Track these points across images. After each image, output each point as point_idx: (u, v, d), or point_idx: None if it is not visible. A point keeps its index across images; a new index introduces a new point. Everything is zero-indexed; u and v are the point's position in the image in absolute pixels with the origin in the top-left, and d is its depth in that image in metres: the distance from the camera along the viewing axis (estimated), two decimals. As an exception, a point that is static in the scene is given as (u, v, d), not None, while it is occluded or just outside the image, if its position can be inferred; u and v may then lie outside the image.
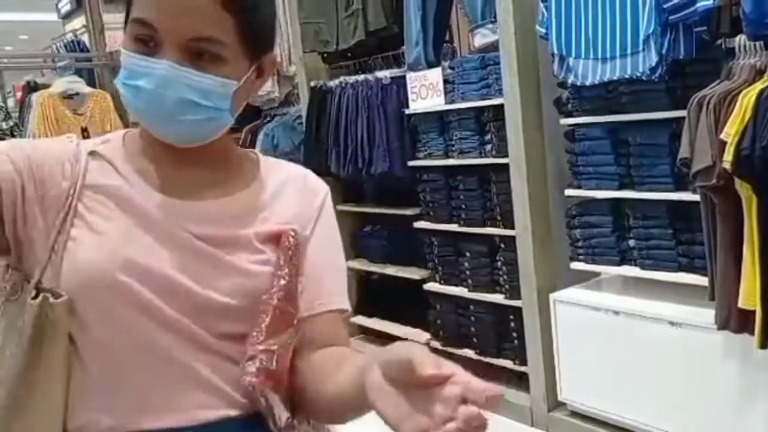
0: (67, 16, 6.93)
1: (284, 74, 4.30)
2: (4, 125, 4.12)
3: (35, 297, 0.84)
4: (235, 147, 1.02)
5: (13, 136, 4.17)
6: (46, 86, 4.52)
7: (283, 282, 0.90)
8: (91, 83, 4.79)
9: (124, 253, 0.84)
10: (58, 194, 0.87)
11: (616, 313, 2.69)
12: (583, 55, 2.64)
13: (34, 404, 0.86)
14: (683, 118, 2.28)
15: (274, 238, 0.93)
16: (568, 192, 2.87)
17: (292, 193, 0.99)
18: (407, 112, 3.48)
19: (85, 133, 4.34)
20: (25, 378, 0.86)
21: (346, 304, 0.99)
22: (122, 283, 0.83)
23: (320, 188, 1.03)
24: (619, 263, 2.75)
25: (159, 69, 0.82)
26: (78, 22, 6.64)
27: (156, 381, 0.86)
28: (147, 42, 0.83)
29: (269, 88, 4.26)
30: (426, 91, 3.35)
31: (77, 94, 4.42)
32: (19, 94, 5.21)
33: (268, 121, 4.48)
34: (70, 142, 0.93)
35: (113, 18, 6.34)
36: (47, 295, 0.84)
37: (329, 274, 0.99)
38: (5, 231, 0.85)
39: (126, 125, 4.61)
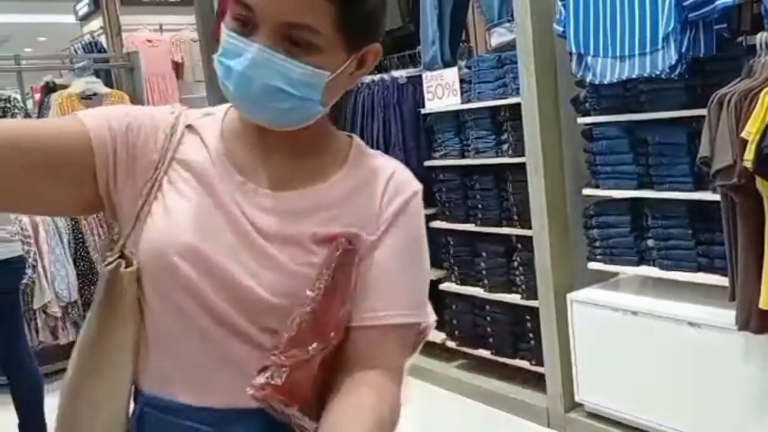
0: (85, 18, 7.00)
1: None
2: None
3: (110, 263, 0.90)
4: (334, 133, 0.97)
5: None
6: (64, 87, 4.55)
7: (318, 293, 0.85)
8: (108, 84, 4.83)
9: (183, 237, 0.87)
10: (148, 164, 0.90)
11: (635, 313, 2.67)
12: (601, 54, 2.62)
13: (103, 369, 0.92)
14: (703, 116, 2.26)
15: (330, 242, 0.88)
16: (586, 191, 2.86)
17: (369, 193, 0.92)
18: (423, 111, 3.47)
19: (102, 133, 4.36)
20: (97, 342, 0.92)
21: (411, 318, 0.90)
22: (176, 266, 0.86)
23: (405, 189, 0.93)
24: (638, 263, 2.72)
25: (250, 51, 0.81)
26: (95, 23, 6.71)
27: (198, 361, 0.88)
28: (245, 23, 0.82)
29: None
30: (442, 91, 3.34)
31: (95, 94, 4.45)
32: (37, 96, 5.25)
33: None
34: (170, 113, 0.94)
35: (130, 20, 6.40)
36: (120, 262, 0.89)
37: (392, 284, 0.90)
38: (99, 190, 0.89)
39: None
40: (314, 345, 0.84)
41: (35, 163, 0.84)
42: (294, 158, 0.92)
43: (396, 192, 0.92)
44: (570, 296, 2.88)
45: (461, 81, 3.26)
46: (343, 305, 0.87)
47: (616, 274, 2.96)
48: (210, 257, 0.86)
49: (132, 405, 0.94)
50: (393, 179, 0.93)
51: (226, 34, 0.83)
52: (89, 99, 4.43)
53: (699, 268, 2.53)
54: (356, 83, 0.93)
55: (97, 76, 4.78)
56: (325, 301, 0.85)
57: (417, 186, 0.95)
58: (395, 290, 0.90)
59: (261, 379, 0.82)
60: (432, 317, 0.97)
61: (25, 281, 3.97)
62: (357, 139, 0.99)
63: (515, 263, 3.19)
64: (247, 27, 0.82)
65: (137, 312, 0.90)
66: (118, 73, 4.99)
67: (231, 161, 0.91)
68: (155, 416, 0.91)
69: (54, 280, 4.14)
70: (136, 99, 4.68)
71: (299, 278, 0.86)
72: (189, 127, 0.94)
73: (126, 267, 0.88)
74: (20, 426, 2.98)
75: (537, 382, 3.15)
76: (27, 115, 4.28)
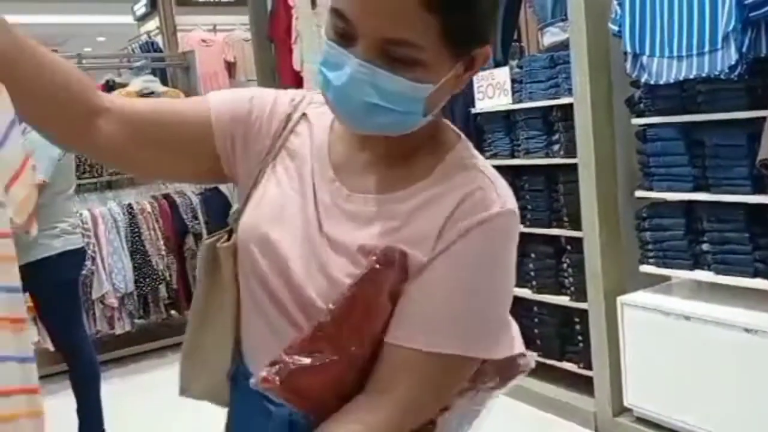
0: (142, 19, 7.19)
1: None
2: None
3: (211, 237, 0.99)
4: (440, 136, 0.91)
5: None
6: (123, 85, 4.70)
7: (335, 307, 0.83)
8: (164, 82, 4.96)
9: (263, 227, 0.91)
10: (261, 149, 0.96)
11: (687, 318, 2.62)
12: (657, 53, 2.58)
13: (210, 328, 1.02)
14: (763, 118, 2.21)
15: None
16: (639, 193, 2.81)
17: (437, 210, 0.84)
18: (473, 111, 3.47)
19: (158, 131, 4.48)
20: (204, 310, 1.03)
21: (444, 348, 0.82)
22: (253, 253, 0.91)
23: (478, 210, 0.83)
24: (692, 267, 2.67)
25: (349, 65, 0.78)
26: (152, 24, 6.88)
27: (263, 342, 0.93)
28: (343, 34, 0.79)
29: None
30: (493, 91, 3.33)
31: (152, 92, 4.58)
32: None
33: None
34: (291, 101, 0.98)
35: (185, 20, 6.55)
36: (221, 236, 0.97)
37: (428, 310, 0.83)
38: (222, 166, 0.97)
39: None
40: (322, 354, 0.83)
41: (163, 138, 0.94)
42: (385, 161, 0.90)
43: (467, 213, 0.83)
44: (620, 299, 2.84)
45: (512, 81, 3.24)
46: (369, 321, 0.84)
47: (668, 277, 2.91)
48: (278, 252, 0.89)
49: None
50: (470, 198, 0.84)
51: (326, 43, 0.81)
52: (146, 97, 4.56)
53: (755, 273, 2.47)
54: (462, 87, 0.87)
55: (154, 75, 4.92)
56: (344, 315, 0.83)
57: (498, 209, 0.84)
58: (430, 316, 0.83)
59: (264, 373, 0.84)
60: (501, 353, 0.88)
61: (84, 272, 4.12)
62: (462, 144, 0.92)
63: (564, 265, 3.17)
64: (345, 38, 0.79)
65: (234, 282, 0.97)
66: (173, 72, 5.12)
67: (330, 156, 0.93)
68: (242, 377, 0.96)
69: (111, 272, 4.28)
70: (191, 96, 4.79)
71: (342, 288, 0.84)
72: (304, 115, 0.97)
73: (225, 242, 0.97)
74: (78, 410, 3.10)
75: (585, 385, 3.11)
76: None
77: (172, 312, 4.64)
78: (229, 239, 0.97)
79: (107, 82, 4.85)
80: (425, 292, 0.83)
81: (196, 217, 4.63)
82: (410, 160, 0.89)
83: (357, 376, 0.86)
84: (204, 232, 4.61)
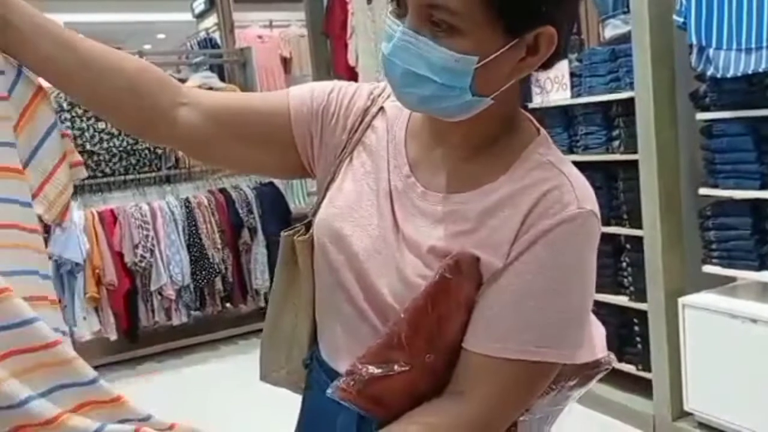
0: (201, 16, 7.31)
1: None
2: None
3: (288, 230, 1.01)
4: (516, 132, 0.87)
5: (152, 127, 4.45)
6: (182, 81, 4.80)
7: (407, 314, 0.82)
8: (221, 78, 5.04)
9: (337, 222, 0.92)
10: (337, 144, 0.96)
11: (754, 321, 2.52)
12: (724, 46, 2.48)
13: (288, 328, 1.06)
14: (840, 112, 2.10)
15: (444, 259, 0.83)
16: (703, 191, 2.72)
17: (512, 212, 0.81)
18: (531, 106, 3.41)
19: (216, 126, 4.56)
20: (282, 300, 1.05)
21: (518, 354, 0.80)
22: (327, 247, 0.92)
23: (556, 211, 0.79)
24: (759, 268, 2.56)
25: (396, 34, 0.79)
26: (210, 21, 7.00)
27: (336, 333, 0.94)
28: (399, 3, 0.80)
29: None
30: (551, 85, 3.27)
31: (211, 88, 4.65)
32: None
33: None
34: (368, 96, 0.97)
35: (242, 16, 6.64)
36: (299, 229, 0.99)
37: (503, 315, 0.81)
38: (302, 161, 0.99)
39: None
40: (396, 363, 0.82)
41: (243, 132, 0.96)
42: (459, 155, 0.88)
43: (543, 215, 0.80)
44: (682, 300, 2.75)
45: (571, 75, 3.17)
46: (442, 329, 0.82)
47: (733, 278, 2.80)
48: (351, 247, 0.90)
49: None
50: (546, 198, 0.80)
51: (387, 17, 0.82)
52: (204, 93, 4.65)
53: (829, 276, 2.36)
54: (529, 72, 0.82)
55: (212, 71, 5.00)
56: (416, 323, 0.82)
57: (575, 210, 0.80)
58: (506, 323, 0.81)
59: (341, 383, 0.84)
60: (581, 358, 0.86)
61: (144, 264, 4.23)
62: (540, 139, 0.88)
63: (623, 264, 3.09)
64: (399, 11, 0.80)
65: (311, 273, 0.99)
66: (231, 68, 5.19)
67: (407, 151, 0.92)
68: (317, 364, 1.00)
69: (169, 264, 4.38)
70: (248, 92, 4.86)
71: (414, 289, 0.83)
72: (382, 109, 0.96)
73: (302, 235, 0.99)
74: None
75: (643, 388, 3.03)
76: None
77: (227, 305, 4.72)
78: (307, 231, 0.99)
79: (167, 78, 4.95)
80: (500, 299, 0.81)
81: (251, 211, 4.70)
82: (485, 155, 0.87)
83: (432, 382, 0.85)
84: (258, 226, 4.67)
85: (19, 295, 0.72)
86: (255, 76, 4.99)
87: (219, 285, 4.60)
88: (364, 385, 0.83)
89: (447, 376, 0.85)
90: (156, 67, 0.96)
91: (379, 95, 0.98)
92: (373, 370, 0.82)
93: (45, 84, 0.89)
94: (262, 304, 4.67)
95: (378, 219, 0.89)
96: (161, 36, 10.51)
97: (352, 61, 4.57)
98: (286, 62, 6.72)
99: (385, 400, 0.84)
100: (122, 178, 4.52)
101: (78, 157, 0.94)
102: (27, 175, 0.83)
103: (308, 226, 0.99)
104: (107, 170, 4.49)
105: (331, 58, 4.92)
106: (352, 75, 4.58)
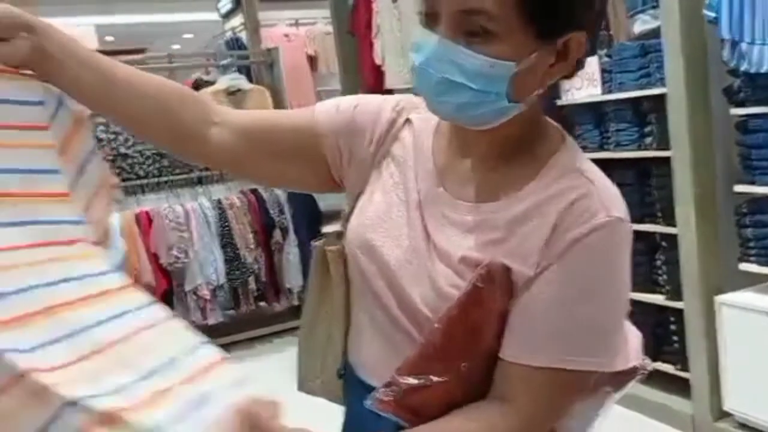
0: (227, 15, 7.36)
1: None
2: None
3: (320, 240, 1.03)
4: (543, 138, 0.88)
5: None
6: (211, 83, 4.84)
7: (441, 324, 0.83)
8: (248, 78, 5.07)
9: (368, 233, 0.93)
10: (365, 157, 0.98)
11: (794, 320, 2.48)
12: (758, 40, 2.43)
13: (322, 325, 1.06)
14: None
15: (476, 269, 0.83)
16: (738, 188, 2.67)
17: (541, 221, 0.82)
18: (559, 103, 3.38)
19: (245, 128, 4.60)
20: (316, 311, 1.07)
21: (552, 363, 0.81)
22: (359, 258, 0.94)
23: (585, 219, 0.80)
24: (798, 266, 2.52)
25: (430, 43, 0.79)
26: (236, 20, 7.04)
27: (370, 343, 0.96)
28: (430, 14, 0.81)
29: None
30: (581, 81, 3.23)
31: (239, 90, 4.69)
32: (186, 90, 5.58)
33: (416, 113, 4.52)
34: (393, 108, 0.98)
35: (268, 15, 6.66)
36: (330, 240, 1.01)
37: (536, 325, 0.82)
38: (333, 175, 1.00)
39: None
40: (433, 374, 0.84)
41: (273, 149, 0.99)
42: (486, 164, 0.89)
43: (571, 224, 0.80)
44: (718, 299, 2.72)
45: (602, 71, 3.13)
46: (477, 339, 0.84)
47: (771, 276, 2.76)
48: (383, 257, 0.91)
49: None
50: (574, 207, 0.81)
51: (417, 26, 0.84)
52: (233, 95, 4.68)
53: None
54: (559, 77, 0.84)
55: (240, 72, 5.03)
56: (451, 334, 0.83)
57: (604, 218, 0.80)
58: (540, 332, 0.82)
59: (380, 395, 0.86)
60: (617, 365, 0.87)
61: (179, 265, 4.31)
62: (567, 145, 0.88)
63: (658, 262, 3.05)
64: (430, 20, 0.81)
65: (344, 283, 1.01)
66: (258, 68, 5.22)
67: (435, 161, 0.93)
68: (350, 374, 1.01)
69: (203, 265, 4.45)
70: (276, 93, 4.89)
71: (447, 298, 0.85)
72: (408, 121, 0.97)
73: (334, 245, 1.00)
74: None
75: (682, 387, 3.00)
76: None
77: (261, 303, 4.78)
78: (338, 240, 1.01)
79: (197, 80, 5.00)
80: (533, 308, 0.82)
81: (282, 212, 4.74)
82: (512, 163, 0.87)
83: (468, 391, 0.87)
84: (290, 225, 4.72)
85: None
86: (282, 77, 5.01)
87: (252, 285, 4.66)
88: (402, 396, 0.85)
89: (483, 385, 0.87)
90: (182, 86, 0.99)
91: (405, 107, 0.98)
92: (411, 381, 0.84)
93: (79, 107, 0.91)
94: (296, 303, 4.72)
95: (408, 229, 0.90)
96: (188, 36, 10.61)
97: (378, 60, 4.57)
98: (312, 60, 6.73)
99: (423, 410, 0.86)
100: (155, 180, 4.59)
101: (115, 180, 0.98)
102: (72, 198, 0.85)
103: (339, 235, 1.01)
104: (141, 173, 4.56)
105: (357, 56, 4.92)
106: (377, 74, 4.58)
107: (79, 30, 5.66)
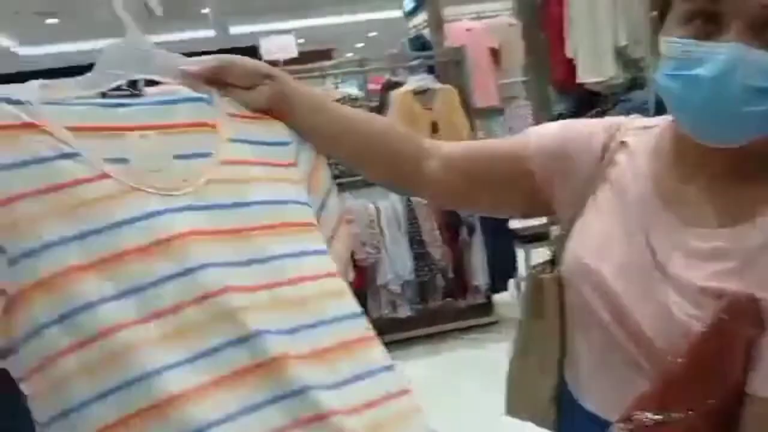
0: (411, 13, 7.53)
1: (628, 57, 4.13)
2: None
3: (536, 267, 1.04)
4: None
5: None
6: (400, 84, 4.98)
7: (688, 357, 0.81)
8: (434, 76, 5.15)
9: (587, 259, 0.92)
10: (578, 183, 0.96)
11: None
12: None
13: (536, 351, 1.07)
14: None
15: (719, 299, 0.80)
16: None
17: None
18: None
19: (434, 128, 4.70)
20: (528, 337, 1.07)
21: None
22: (578, 285, 0.93)
23: None
24: None
25: (724, 52, 0.73)
26: (420, 17, 7.18)
27: (595, 374, 0.94)
28: (706, 23, 0.75)
29: (612, 74, 4.13)
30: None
31: (428, 89, 4.79)
32: (372, 86, 5.77)
33: (609, 109, 4.34)
34: (605, 131, 0.96)
35: (451, 11, 6.71)
36: (546, 268, 1.02)
37: None
38: (546, 200, 1.00)
39: (470, 122, 4.87)
40: (676, 409, 0.81)
41: (487, 179, 1.02)
42: (723, 184, 0.84)
43: None
44: None
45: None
46: (723, 373, 0.80)
47: None
48: (606, 282, 0.89)
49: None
50: None
51: (675, 44, 0.77)
52: (422, 94, 4.79)
53: None
54: None
55: (426, 70, 5.13)
56: (695, 368, 0.80)
57: None
58: None
59: (617, 430, 0.84)
60: None
61: (371, 260, 4.52)
62: None
63: None
64: (706, 27, 0.75)
65: (559, 310, 1.00)
66: (444, 67, 5.29)
67: (654, 184, 0.90)
68: (568, 402, 1.01)
69: (394, 260, 4.62)
70: (463, 92, 4.93)
71: (683, 329, 0.82)
72: (622, 143, 0.95)
73: (549, 272, 1.00)
74: None
75: None
76: (370, 111, 4.80)
77: (448, 299, 4.87)
78: (552, 268, 1.01)
79: (388, 81, 5.18)
80: None
81: (469, 209, 4.79)
82: (755, 183, 0.83)
83: (713, 429, 0.83)
84: (477, 223, 4.75)
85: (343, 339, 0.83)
86: (469, 75, 5.04)
87: (440, 280, 4.76)
88: None
89: (730, 426, 0.83)
90: (395, 124, 1.05)
91: (617, 129, 0.96)
92: (653, 416, 0.82)
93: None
94: (482, 300, 4.77)
95: (633, 256, 0.88)
96: (373, 34, 10.99)
97: (569, 53, 4.44)
98: (495, 53, 6.68)
99: None
100: (350, 179, 4.81)
101: (350, 215, 1.06)
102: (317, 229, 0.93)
103: (552, 261, 1.02)
104: (335, 171, 4.80)
105: (547, 50, 4.82)
106: (569, 68, 4.44)
107: (281, 40, 6.05)
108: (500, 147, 1.06)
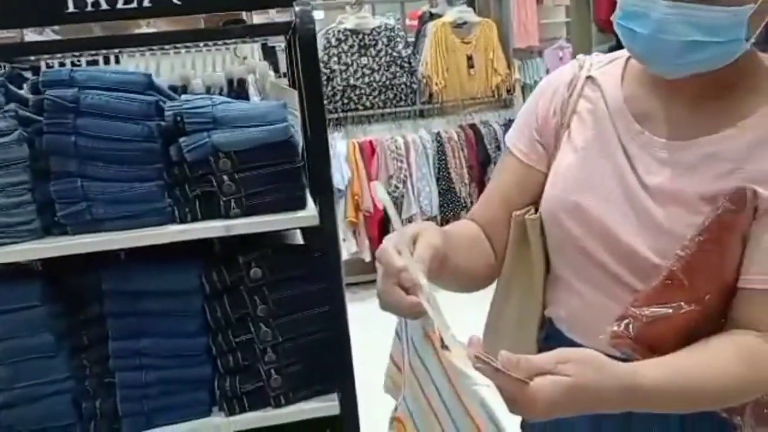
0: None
1: None
2: (403, 52, 4.59)
3: (519, 211, 1.03)
4: (759, 66, 0.87)
5: (410, 63, 4.62)
6: (438, 15, 4.86)
7: (687, 252, 0.82)
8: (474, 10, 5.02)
9: (567, 193, 0.93)
10: (553, 126, 0.99)
11: None
12: None
13: (516, 296, 1.08)
14: None
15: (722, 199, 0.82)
16: None
17: None
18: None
19: (470, 61, 4.61)
20: (510, 281, 1.07)
21: None
22: (563, 221, 0.93)
23: None
24: None
25: (655, 11, 0.77)
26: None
27: (585, 307, 0.94)
28: None
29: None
30: None
31: (466, 23, 4.68)
32: (411, 22, 5.67)
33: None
34: (569, 69, 1.00)
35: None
36: (530, 209, 1.01)
37: None
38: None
39: (506, 55, 4.76)
40: (679, 304, 0.82)
41: (521, 202, 1.02)
42: (700, 102, 0.87)
43: None
44: None
45: None
46: (723, 266, 0.82)
47: None
48: (590, 212, 0.90)
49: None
50: None
51: None
52: (460, 27, 4.68)
53: None
54: None
55: (467, 3, 5.00)
56: (696, 262, 0.81)
57: None
58: None
59: (615, 328, 0.85)
60: None
61: (396, 195, 4.51)
62: None
63: None
64: None
65: (542, 252, 1.00)
66: (484, 1, 5.14)
67: (630, 108, 0.91)
68: (555, 342, 0.99)
69: (419, 195, 4.61)
70: (503, 26, 4.80)
71: (681, 240, 0.83)
72: (589, 77, 0.97)
73: (531, 215, 1.00)
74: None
75: None
76: (407, 44, 4.71)
77: (472, 237, 4.87)
78: (536, 211, 1.01)
79: (424, 13, 5.06)
80: None
81: (498, 148, 4.73)
82: (725, 100, 0.85)
83: (710, 322, 0.84)
84: (506, 162, 4.69)
85: None
86: (511, 10, 4.89)
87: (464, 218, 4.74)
88: (641, 328, 0.83)
89: (720, 317, 0.85)
90: (468, 222, 1.05)
91: (581, 67, 0.98)
92: (653, 311, 0.83)
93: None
94: (505, 240, 4.76)
95: (618, 183, 0.89)
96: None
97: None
98: (538, -10, 6.46)
99: (659, 344, 0.84)
100: (380, 111, 4.78)
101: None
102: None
103: (536, 206, 1.01)
104: (367, 104, 4.77)
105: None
106: (611, 6, 4.26)
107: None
108: (507, 181, 1.05)
